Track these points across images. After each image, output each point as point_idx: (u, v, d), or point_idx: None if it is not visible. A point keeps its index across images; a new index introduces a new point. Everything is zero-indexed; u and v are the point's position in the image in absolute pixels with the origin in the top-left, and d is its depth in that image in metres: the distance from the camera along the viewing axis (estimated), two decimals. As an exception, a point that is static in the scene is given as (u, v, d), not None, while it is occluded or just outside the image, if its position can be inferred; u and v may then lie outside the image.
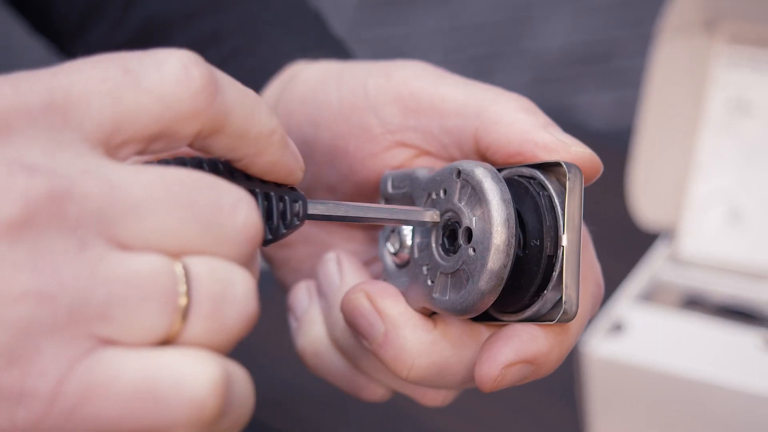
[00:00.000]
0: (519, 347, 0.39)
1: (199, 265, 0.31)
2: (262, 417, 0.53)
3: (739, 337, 0.74)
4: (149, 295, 0.30)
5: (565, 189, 0.39)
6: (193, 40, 0.59)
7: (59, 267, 0.29)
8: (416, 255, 0.42)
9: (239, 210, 0.32)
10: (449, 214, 0.41)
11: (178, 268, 0.30)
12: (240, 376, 0.31)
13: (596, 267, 0.42)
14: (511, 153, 0.41)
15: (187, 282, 0.30)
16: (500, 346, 0.39)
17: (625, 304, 0.78)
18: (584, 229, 0.41)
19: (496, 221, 0.38)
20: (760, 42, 0.83)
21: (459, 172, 0.40)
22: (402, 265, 0.44)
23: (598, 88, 2.23)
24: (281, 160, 0.36)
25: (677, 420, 0.73)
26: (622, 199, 0.85)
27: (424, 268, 0.42)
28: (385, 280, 0.44)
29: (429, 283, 0.41)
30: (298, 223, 0.38)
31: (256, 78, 0.53)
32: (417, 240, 0.43)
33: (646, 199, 0.84)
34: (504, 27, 2.19)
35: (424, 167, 0.43)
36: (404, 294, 0.42)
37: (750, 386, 0.71)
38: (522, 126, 0.41)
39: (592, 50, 2.23)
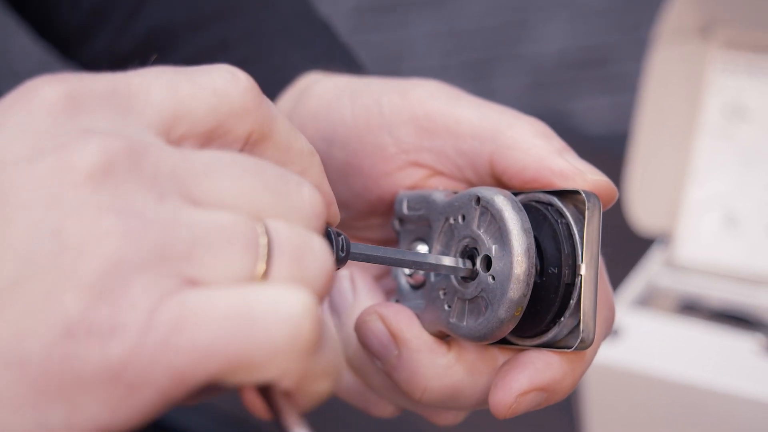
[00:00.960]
0: (533, 375, 0.39)
1: (276, 223, 0.31)
2: (256, 420, 0.53)
3: (736, 342, 0.74)
4: (233, 239, 0.30)
5: (583, 217, 0.39)
6: (200, 50, 0.59)
7: (142, 210, 0.29)
8: (432, 279, 0.42)
9: (304, 186, 0.33)
10: (467, 240, 0.41)
11: (258, 222, 0.31)
12: (326, 321, 0.32)
13: (609, 291, 0.42)
14: (527, 179, 0.41)
15: (267, 233, 0.31)
16: (515, 374, 0.40)
17: (621, 309, 0.78)
18: (600, 258, 0.41)
19: (516, 251, 0.39)
20: (755, 47, 0.83)
21: (478, 199, 0.40)
22: (417, 287, 0.44)
23: (595, 93, 2.24)
24: (323, 186, 0.36)
25: (674, 425, 0.74)
26: (619, 205, 0.86)
27: (441, 293, 0.42)
28: (398, 300, 0.45)
29: (446, 307, 0.41)
30: (342, 255, 0.38)
31: (265, 89, 0.53)
32: None
33: (642, 204, 0.84)
34: (501, 31, 2.19)
35: (440, 190, 0.43)
36: (419, 316, 0.42)
37: (746, 391, 0.71)
38: (538, 152, 0.41)
39: (589, 55, 2.23)
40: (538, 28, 2.20)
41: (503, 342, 0.41)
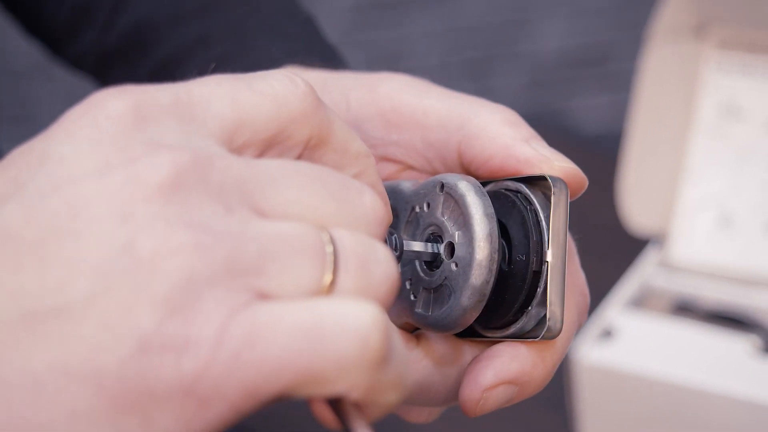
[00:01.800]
0: (500, 368, 0.39)
1: (341, 232, 0.31)
2: (250, 424, 0.53)
3: (730, 343, 0.74)
4: (300, 251, 0.30)
5: (550, 202, 0.39)
6: (182, 45, 0.59)
7: (211, 224, 0.30)
8: (400, 269, 0.42)
9: (365, 192, 0.33)
10: (432, 228, 0.40)
11: (323, 232, 0.31)
12: (396, 331, 0.32)
13: (581, 277, 0.42)
14: (494, 168, 0.41)
15: (333, 243, 0.31)
16: (481, 369, 0.39)
17: (615, 310, 0.77)
18: (570, 240, 0.41)
19: (478, 236, 0.38)
20: (750, 47, 0.83)
21: (442, 186, 0.40)
22: None
23: (594, 92, 2.23)
24: (378, 187, 0.36)
25: (668, 426, 0.73)
26: (613, 204, 0.85)
27: (407, 283, 0.41)
28: None
29: (412, 298, 0.41)
30: (397, 254, 0.39)
31: None
32: None
33: (636, 204, 0.84)
34: (500, 30, 2.19)
35: (409, 180, 0.43)
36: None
37: (740, 392, 0.71)
38: (504, 140, 0.41)
39: (588, 53, 2.22)
40: (538, 26, 2.20)
41: (472, 334, 0.41)
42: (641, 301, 0.81)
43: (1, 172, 0.31)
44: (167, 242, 0.29)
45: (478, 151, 0.41)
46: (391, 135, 0.43)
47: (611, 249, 0.88)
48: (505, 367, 0.39)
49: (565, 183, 0.39)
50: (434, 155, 0.43)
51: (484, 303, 0.38)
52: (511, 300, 0.39)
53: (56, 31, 0.67)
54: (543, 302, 0.39)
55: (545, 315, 0.38)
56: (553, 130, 1.19)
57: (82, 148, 0.30)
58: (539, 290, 0.39)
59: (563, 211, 0.39)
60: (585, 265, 0.42)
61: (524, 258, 0.39)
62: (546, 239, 0.39)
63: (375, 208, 0.33)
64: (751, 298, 0.81)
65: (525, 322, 0.39)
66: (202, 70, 0.56)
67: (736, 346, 0.74)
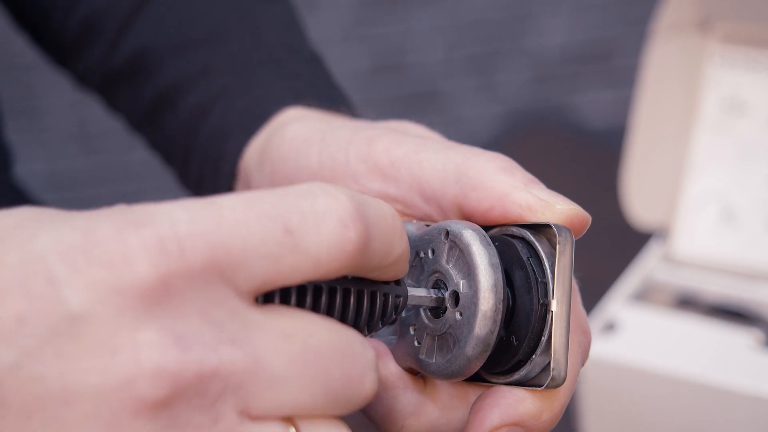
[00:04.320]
0: (505, 411, 0.39)
1: (318, 427, 0.32)
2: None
3: (732, 337, 0.74)
4: None
5: (555, 251, 0.38)
6: (184, 73, 0.59)
7: None
8: (403, 314, 0.42)
9: (367, 380, 0.33)
10: (437, 275, 0.40)
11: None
12: None
13: (582, 315, 0.42)
14: (495, 218, 0.40)
15: None
16: (486, 410, 0.39)
17: (617, 303, 0.78)
18: (573, 281, 0.40)
19: (483, 287, 0.38)
20: (753, 42, 0.83)
21: (447, 233, 0.39)
22: (389, 323, 0.43)
23: (598, 87, 2.23)
24: (401, 270, 0.36)
25: (670, 419, 0.73)
26: (616, 199, 0.86)
27: (411, 329, 0.41)
28: (371, 336, 0.44)
29: (416, 344, 0.40)
30: (394, 317, 0.38)
31: (247, 120, 0.53)
32: None
33: (639, 198, 0.84)
34: (504, 25, 2.19)
35: (413, 222, 0.43)
36: (392, 351, 0.41)
37: (742, 386, 0.71)
38: (502, 188, 0.40)
39: (592, 49, 2.22)
40: (542, 21, 2.20)
41: (476, 379, 0.41)
42: (644, 295, 0.81)
43: (12, 291, 0.30)
44: None
45: (477, 203, 0.40)
46: (389, 189, 0.43)
47: (614, 243, 0.88)
48: (511, 410, 0.39)
49: (570, 231, 0.39)
50: (433, 208, 0.42)
51: (488, 353, 0.38)
52: (516, 347, 0.39)
53: (63, 44, 0.66)
54: (547, 351, 0.38)
55: (549, 364, 0.38)
56: (556, 126, 1.19)
57: (97, 309, 0.30)
58: (543, 338, 0.38)
59: (568, 259, 0.38)
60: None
61: (528, 306, 0.39)
62: (551, 288, 0.38)
63: (370, 394, 0.33)
64: (754, 292, 0.81)
65: (529, 369, 0.39)
66: (203, 102, 0.57)
67: (739, 339, 0.74)
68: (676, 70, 0.83)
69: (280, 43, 0.60)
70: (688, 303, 0.80)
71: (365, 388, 0.33)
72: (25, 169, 1.72)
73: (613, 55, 2.22)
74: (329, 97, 0.54)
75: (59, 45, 0.67)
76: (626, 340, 0.74)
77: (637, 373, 0.73)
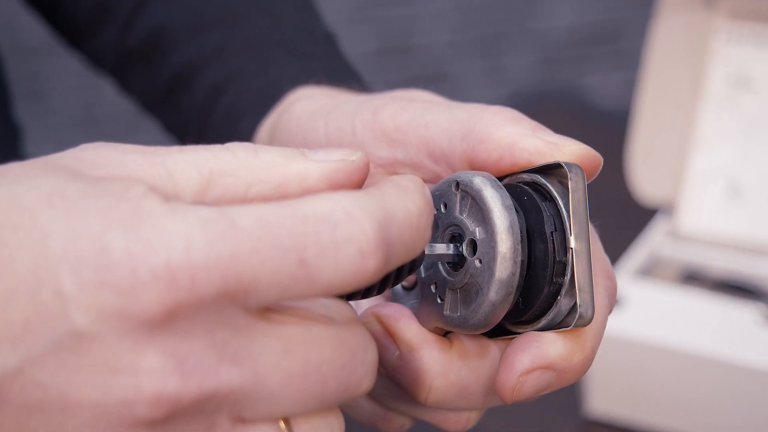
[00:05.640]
0: (535, 353, 0.38)
1: (304, 430, 0.33)
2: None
3: (738, 312, 0.74)
4: None
5: (568, 190, 0.38)
6: (199, 54, 0.59)
7: None
8: (423, 275, 0.41)
9: (363, 383, 0.33)
10: (452, 228, 0.40)
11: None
12: None
13: (605, 260, 0.41)
14: (506, 167, 0.40)
15: None
16: (515, 355, 0.38)
17: (624, 279, 0.78)
18: (591, 226, 0.40)
19: (499, 229, 0.37)
20: (760, 17, 0.83)
21: (458, 184, 0.39)
22: (410, 288, 0.43)
23: (606, 68, 2.23)
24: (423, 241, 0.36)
25: (676, 394, 0.74)
26: (622, 175, 0.86)
27: (432, 287, 0.40)
28: (395, 301, 0.43)
29: (438, 301, 0.40)
30: (408, 279, 0.38)
31: (261, 101, 0.53)
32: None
33: (645, 174, 0.84)
34: (511, 7, 2.18)
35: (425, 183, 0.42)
36: (416, 315, 0.41)
37: (748, 360, 0.71)
38: (510, 138, 0.40)
39: (600, 30, 2.22)
40: (549, 3, 2.20)
41: (503, 332, 0.40)
42: (650, 271, 0.81)
43: (21, 295, 0.30)
44: None
45: (485, 156, 0.40)
46: (397, 154, 0.43)
47: (621, 219, 0.88)
48: (541, 352, 0.38)
49: (580, 167, 0.38)
50: (442, 168, 0.42)
51: (512, 296, 0.38)
52: (538, 293, 0.38)
53: (76, 25, 0.66)
54: (571, 291, 0.38)
55: (575, 303, 0.38)
56: (563, 108, 1.19)
57: (102, 330, 0.30)
58: (566, 279, 0.38)
59: (582, 195, 0.38)
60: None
61: (547, 248, 0.38)
62: (568, 226, 0.38)
63: (368, 390, 0.33)
64: (759, 267, 0.81)
65: (555, 313, 0.38)
66: (218, 83, 0.57)
67: (744, 314, 0.74)
68: (682, 46, 0.83)
69: (295, 23, 0.60)
70: (693, 278, 0.80)
71: (359, 391, 0.33)
72: (32, 153, 1.73)
73: (621, 37, 2.22)
74: (343, 76, 0.54)
75: (72, 26, 0.67)
76: (632, 315, 0.74)
77: (643, 348, 0.73)
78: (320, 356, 0.32)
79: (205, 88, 0.58)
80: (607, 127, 1.13)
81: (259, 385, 0.31)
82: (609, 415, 0.76)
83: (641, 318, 0.74)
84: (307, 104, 0.47)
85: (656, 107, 0.84)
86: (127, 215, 0.30)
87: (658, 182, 0.84)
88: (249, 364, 0.31)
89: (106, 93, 1.96)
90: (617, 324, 0.74)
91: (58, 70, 2.02)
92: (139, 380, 0.30)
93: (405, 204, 0.33)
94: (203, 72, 0.58)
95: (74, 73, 1.99)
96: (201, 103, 0.58)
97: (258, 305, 0.31)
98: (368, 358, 0.33)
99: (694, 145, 0.84)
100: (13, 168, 0.32)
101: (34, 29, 1.77)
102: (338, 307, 0.34)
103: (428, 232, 0.35)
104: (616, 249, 0.84)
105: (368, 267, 0.32)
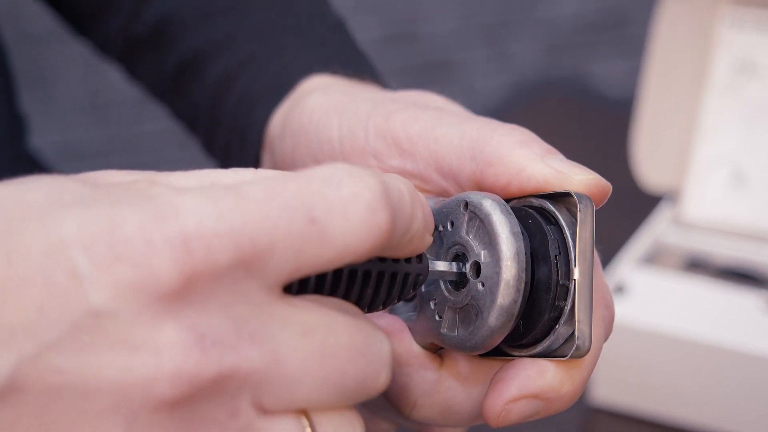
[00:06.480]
0: (524, 382, 0.38)
1: (326, 427, 0.32)
2: None
3: (741, 299, 0.74)
4: None
5: (576, 219, 0.38)
6: (209, 41, 0.58)
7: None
8: (423, 289, 0.41)
9: (380, 378, 0.33)
10: (457, 247, 0.39)
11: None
12: None
13: (605, 289, 0.41)
14: (514, 192, 0.40)
15: None
16: (505, 382, 0.38)
17: (627, 266, 0.78)
18: (594, 254, 0.40)
19: (505, 255, 0.37)
20: (764, 3, 0.82)
21: (466, 204, 0.39)
22: (408, 299, 0.43)
23: (612, 56, 2.22)
24: (418, 247, 0.36)
25: (679, 381, 0.74)
26: (626, 162, 0.85)
27: (432, 303, 0.40)
28: (391, 312, 0.43)
29: (437, 318, 0.40)
30: (413, 293, 0.38)
31: (274, 87, 0.53)
32: None
33: (649, 161, 0.84)
34: (517, -6, 2.18)
35: (430, 197, 0.42)
36: (411, 328, 0.41)
37: (751, 348, 0.71)
38: (519, 162, 0.39)
39: (606, 17, 2.21)
40: (555, -10, 2.19)
41: (498, 353, 0.40)
42: (654, 258, 0.81)
43: (34, 280, 0.29)
44: None
45: (495, 178, 0.40)
46: (407, 165, 0.43)
47: (625, 206, 0.88)
48: (530, 382, 0.38)
49: (590, 199, 0.38)
50: (450, 184, 0.42)
51: (512, 323, 0.38)
52: (538, 318, 0.38)
53: (82, 12, 0.66)
54: (571, 321, 0.38)
55: (573, 334, 0.38)
56: (569, 96, 1.19)
57: (119, 307, 0.29)
58: (566, 308, 0.38)
59: (590, 227, 0.38)
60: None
61: (549, 276, 0.38)
62: (573, 257, 0.38)
63: (381, 389, 0.33)
64: (763, 254, 0.81)
65: (552, 340, 0.38)
66: (230, 70, 0.56)
67: (747, 302, 0.74)
68: (686, 32, 0.83)
69: (306, 10, 0.59)
70: (697, 266, 0.80)
71: (378, 384, 0.33)
72: (38, 141, 1.73)
73: (626, 24, 2.21)
74: (355, 64, 0.54)
75: (79, 13, 0.67)
76: (636, 302, 0.74)
77: (647, 335, 0.73)
78: (338, 341, 0.32)
79: (216, 75, 0.58)
80: (611, 114, 1.13)
81: (278, 365, 0.31)
82: (613, 403, 0.76)
83: (645, 306, 0.74)
84: (321, 99, 0.47)
85: (660, 94, 0.83)
86: (136, 198, 0.30)
87: (662, 170, 0.84)
88: (268, 343, 0.31)
89: (112, 81, 1.96)
90: (621, 312, 0.74)
91: (63, 58, 2.02)
92: (159, 356, 0.30)
93: (395, 180, 0.34)
94: (215, 59, 0.58)
95: (80, 61, 1.99)
96: (212, 91, 0.58)
97: (275, 278, 0.31)
98: (384, 350, 0.33)
99: (698, 133, 0.84)
100: (16, 180, 0.32)
101: (38, 16, 1.77)
102: (350, 305, 0.34)
103: (424, 210, 0.35)
104: (620, 236, 0.84)
105: (379, 221, 0.32)
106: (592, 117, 1.14)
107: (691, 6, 0.83)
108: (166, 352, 0.30)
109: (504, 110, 2.01)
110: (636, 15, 2.19)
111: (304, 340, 0.31)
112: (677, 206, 0.84)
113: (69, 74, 2.04)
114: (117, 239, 0.29)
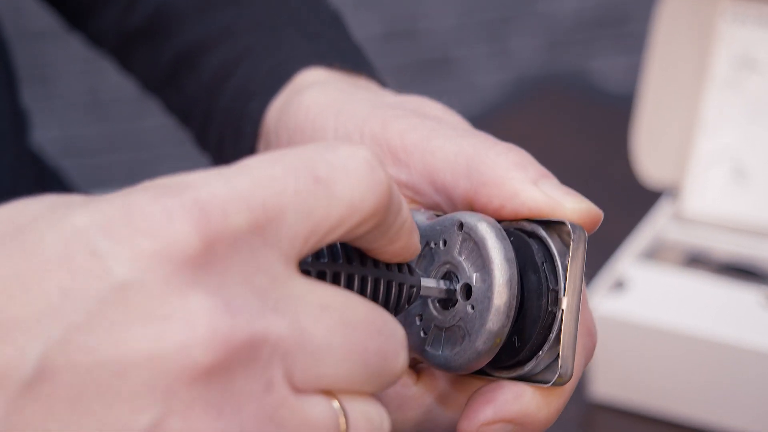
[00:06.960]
0: (500, 406, 0.38)
1: (356, 411, 0.33)
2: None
3: (742, 295, 0.74)
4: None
5: (568, 248, 0.38)
6: (206, 33, 0.58)
7: (243, 410, 0.30)
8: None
9: (399, 357, 0.33)
10: (447, 266, 0.40)
11: (341, 419, 0.32)
12: None
13: (589, 317, 0.41)
14: (507, 216, 0.40)
15: (347, 421, 0.32)
16: (481, 403, 0.39)
17: (627, 261, 0.78)
18: (582, 282, 0.40)
19: (498, 282, 0.38)
20: (765, -2, 0.82)
21: (461, 225, 0.39)
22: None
23: (613, 52, 2.22)
24: (408, 244, 0.36)
25: (679, 376, 0.74)
26: (626, 157, 0.85)
27: (417, 319, 0.40)
28: None
29: (422, 334, 0.40)
30: (407, 308, 0.38)
31: (271, 80, 0.53)
32: None
33: (650, 156, 0.84)
34: (517, -10, 2.18)
35: (421, 211, 0.42)
36: None
37: (751, 343, 0.71)
38: (513, 186, 0.40)
39: (606, 13, 2.21)
40: (555, -14, 2.19)
41: (479, 372, 0.40)
42: (654, 253, 0.81)
43: (53, 266, 0.29)
44: (197, 428, 0.30)
45: (488, 200, 0.40)
46: (401, 175, 0.43)
47: (625, 201, 0.88)
48: (506, 406, 0.38)
49: (583, 230, 0.38)
50: (442, 199, 0.42)
51: (498, 347, 0.38)
52: (522, 343, 0.39)
53: (76, 5, 0.66)
54: (554, 348, 0.38)
55: (556, 360, 0.38)
56: (569, 92, 1.19)
57: (145, 278, 0.29)
58: (552, 335, 0.38)
59: (581, 258, 0.38)
60: None
61: (537, 302, 0.38)
62: (562, 286, 0.38)
63: (402, 371, 0.33)
64: (763, 250, 0.81)
65: (534, 365, 0.39)
66: (226, 63, 0.56)
67: (748, 297, 0.74)
68: (687, 27, 0.83)
69: (303, 3, 0.59)
70: (697, 261, 0.80)
71: (398, 365, 0.33)
72: (38, 137, 1.73)
73: (627, 20, 2.21)
74: (351, 58, 0.54)
75: (73, 6, 0.66)
76: (636, 297, 0.74)
77: (647, 330, 0.73)
78: (356, 316, 0.32)
79: (213, 68, 0.58)
80: (612, 110, 1.13)
81: (304, 336, 0.31)
82: (613, 398, 0.76)
83: (645, 301, 0.74)
84: (317, 96, 0.47)
85: (661, 90, 0.83)
86: (142, 187, 0.31)
87: (662, 165, 0.84)
88: (291, 314, 0.31)
89: (112, 77, 1.96)
90: (620, 307, 0.74)
91: (63, 54, 2.02)
92: (192, 322, 0.29)
93: None
94: (210, 52, 0.58)
95: (80, 58, 1.99)
96: (208, 84, 0.58)
97: (290, 246, 0.31)
98: (399, 331, 0.33)
99: (698, 128, 0.84)
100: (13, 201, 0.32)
101: (39, 13, 1.77)
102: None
103: (404, 203, 0.35)
104: (620, 231, 0.84)
105: (380, 177, 0.32)
106: (592, 113, 1.14)
107: (692, 1, 0.82)
108: (199, 317, 0.29)
109: (504, 106, 2.01)
110: (636, 11, 2.19)
111: (323, 313, 0.32)
112: (677, 201, 0.84)
113: (69, 70, 2.04)
114: (133, 215, 0.30)
